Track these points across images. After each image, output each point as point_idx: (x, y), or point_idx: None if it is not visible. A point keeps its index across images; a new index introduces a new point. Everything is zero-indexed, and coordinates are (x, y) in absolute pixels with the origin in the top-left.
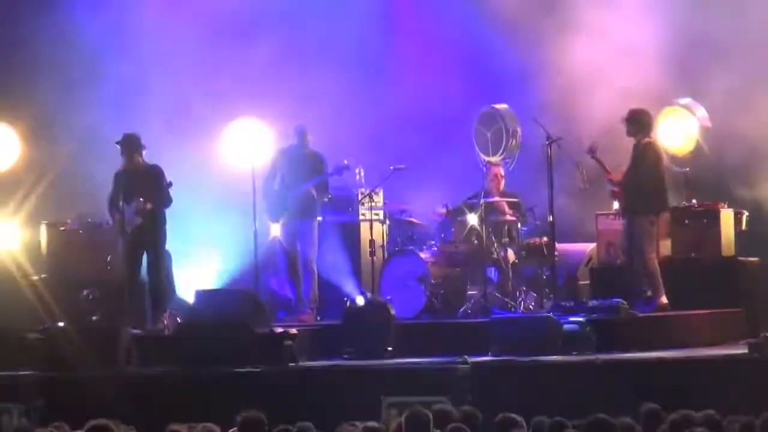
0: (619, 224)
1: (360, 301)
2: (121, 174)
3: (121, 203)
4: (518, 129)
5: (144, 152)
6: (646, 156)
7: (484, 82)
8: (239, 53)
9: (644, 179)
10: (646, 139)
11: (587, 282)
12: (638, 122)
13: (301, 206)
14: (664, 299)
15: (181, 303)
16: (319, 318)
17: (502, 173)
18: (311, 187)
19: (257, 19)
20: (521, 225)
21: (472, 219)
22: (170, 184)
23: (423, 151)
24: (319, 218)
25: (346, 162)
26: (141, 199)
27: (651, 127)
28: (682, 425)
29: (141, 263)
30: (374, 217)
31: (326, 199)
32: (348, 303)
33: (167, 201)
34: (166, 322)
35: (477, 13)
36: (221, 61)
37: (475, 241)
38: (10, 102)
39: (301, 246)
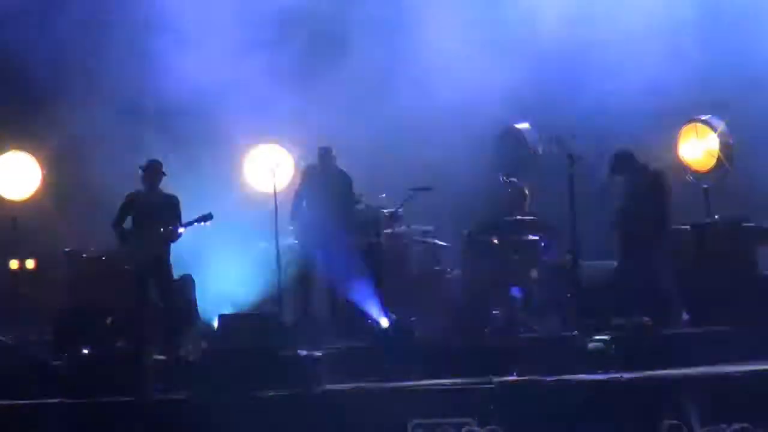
0: None
1: (384, 323)
2: (139, 199)
3: (125, 226)
4: (539, 148)
5: (162, 180)
6: (660, 183)
7: (505, 100)
8: (259, 76)
9: (660, 205)
10: (654, 168)
11: (611, 300)
12: (628, 160)
13: (335, 231)
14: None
15: (205, 328)
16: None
17: (527, 192)
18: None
19: (276, 41)
20: (544, 243)
21: (496, 239)
22: (210, 216)
23: (447, 170)
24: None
25: (361, 194)
26: (170, 228)
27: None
28: None
29: (150, 290)
30: (397, 238)
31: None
32: (372, 325)
33: (181, 234)
34: (190, 348)
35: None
36: (242, 85)
37: (499, 261)
38: (32, 130)
39: (331, 269)
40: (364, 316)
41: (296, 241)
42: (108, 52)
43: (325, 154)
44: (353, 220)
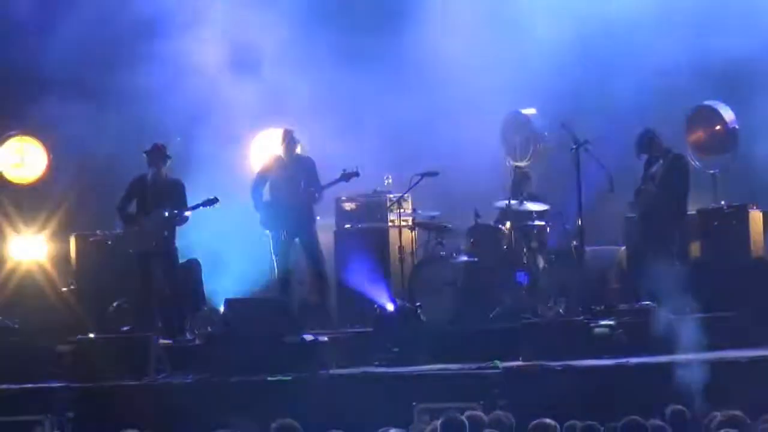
0: None
1: (390, 307)
2: (144, 183)
3: (130, 210)
4: (545, 134)
5: (168, 163)
6: (681, 166)
7: (513, 85)
8: (264, 60)
9: (680, 188)
10: (678, 152)
11: (617, 285)
12: (654, 140)
13: (298, 214)
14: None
15: (211, 312)
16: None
17: (530, 176)
18: (307, 193)
19: (280, 25)
20: (550, 229)
21: (501, 224)
22: (216, 200)
23: (453, 155)
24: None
25: (355, 169)
26: (175, 212)
27: (658, 139)
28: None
29: (156, 274)
30: (403, 223)
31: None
32: (378, 310)
33: (187, 218)
34: (196, 332)
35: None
36: (246, 68)
37: (505, 247)
38: (38, 115)
39: (307, 254)
40: (370, 301)
41: (266, 231)
42: (117, 35)
43: (284, 137)
44: (314, 203)
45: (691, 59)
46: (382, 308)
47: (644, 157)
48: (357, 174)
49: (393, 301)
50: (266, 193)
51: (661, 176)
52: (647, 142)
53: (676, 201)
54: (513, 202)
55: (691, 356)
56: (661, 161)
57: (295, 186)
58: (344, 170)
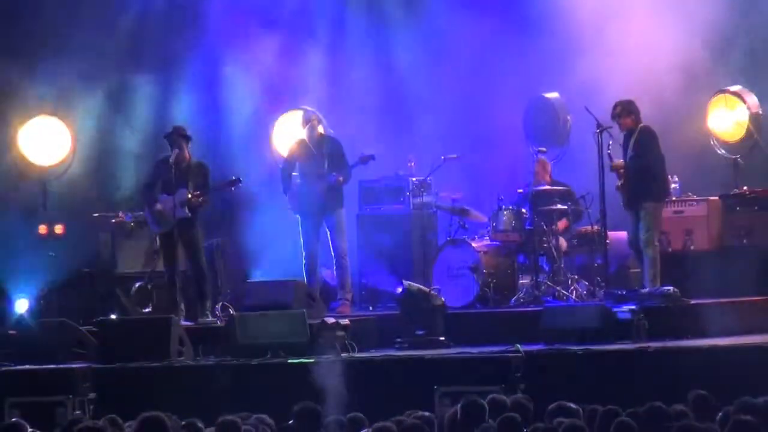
0: (669, 211)
1: (409, 291)
2: (167, 165)
3: (154, 191)
4: (569, 117)
5: (190, 143)
6: (652, 142)
7: (535, 69)
8: (288, 45)
9: (653, 165)
10: (644, 125)
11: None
12: (632, 111)
13: (325, 197)
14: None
15: (234, 294)
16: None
17: (548, 161)
18: (334, 178)
19: (303, 10)
20: (572, 213)
21: (524, 208)
22: (239, 180)
23: (475, 139)
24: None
25: (371, 152)
26: (197, 193)
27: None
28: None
29: (179, 256)
30: (426, 206)
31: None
32: (400, 293)
33: (211, 199)
34: (218, 314)
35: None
36: (271, 52)
37: (527, 231)
38: (62, 96)
39: (332, 238)
40: (391, 284)
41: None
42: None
43: (304, 119)
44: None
45: (714, 42)
46: (404, 292)
47: (615, 124)
48: (373, 157)
49: (413, 284)
50: (296, 177)
51: (634, 149)
52: (627, 112)
53: (652, 170)
54: (536, 186)
55: (712, 341)
56: (633, 136)
57: (321, 169)
58: (362, 154)
